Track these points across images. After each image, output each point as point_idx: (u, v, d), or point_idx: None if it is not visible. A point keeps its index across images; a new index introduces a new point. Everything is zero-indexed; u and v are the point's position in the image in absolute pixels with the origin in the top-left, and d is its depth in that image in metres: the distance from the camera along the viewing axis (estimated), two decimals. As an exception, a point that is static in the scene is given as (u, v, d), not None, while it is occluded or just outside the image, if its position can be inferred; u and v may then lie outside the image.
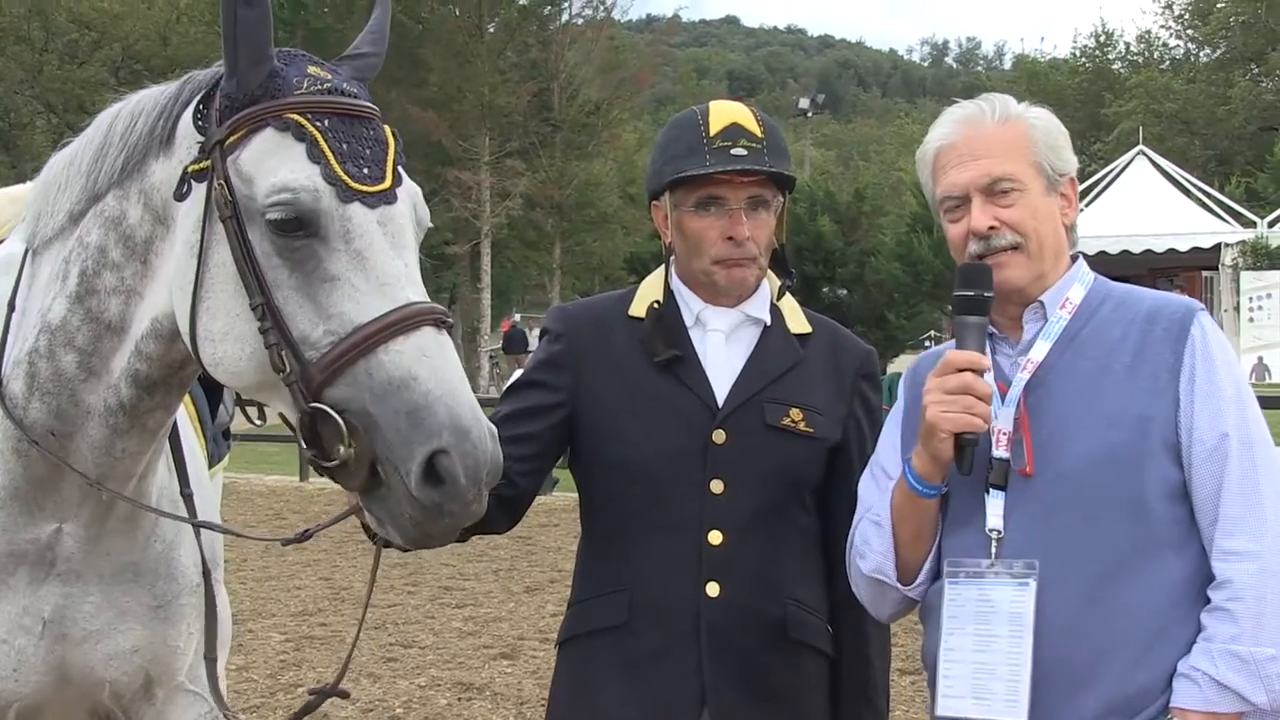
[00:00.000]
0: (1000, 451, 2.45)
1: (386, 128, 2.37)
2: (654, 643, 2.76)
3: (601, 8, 40.66)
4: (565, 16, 40.77)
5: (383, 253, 2.23)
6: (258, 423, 3.71)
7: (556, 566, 11.43)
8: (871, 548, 2.59)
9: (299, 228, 2.20)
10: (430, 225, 2.43)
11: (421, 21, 37.67)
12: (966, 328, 2.46)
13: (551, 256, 41.15)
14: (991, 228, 2.47)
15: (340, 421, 2.13)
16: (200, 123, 2.35)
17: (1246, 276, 30.72)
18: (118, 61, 44.69)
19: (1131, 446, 2.36)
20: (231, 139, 2.27)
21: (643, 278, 3.04)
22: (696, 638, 2.74)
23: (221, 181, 2.25)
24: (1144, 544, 2.35)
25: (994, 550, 2.42)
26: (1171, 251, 30.97)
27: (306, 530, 2.57)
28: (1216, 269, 31.64)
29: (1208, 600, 2.32)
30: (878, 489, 2.63)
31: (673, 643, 2.75)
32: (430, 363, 2.16)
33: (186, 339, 2.34)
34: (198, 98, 2.39)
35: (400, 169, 2.34)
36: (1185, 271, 31.52)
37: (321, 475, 2.25)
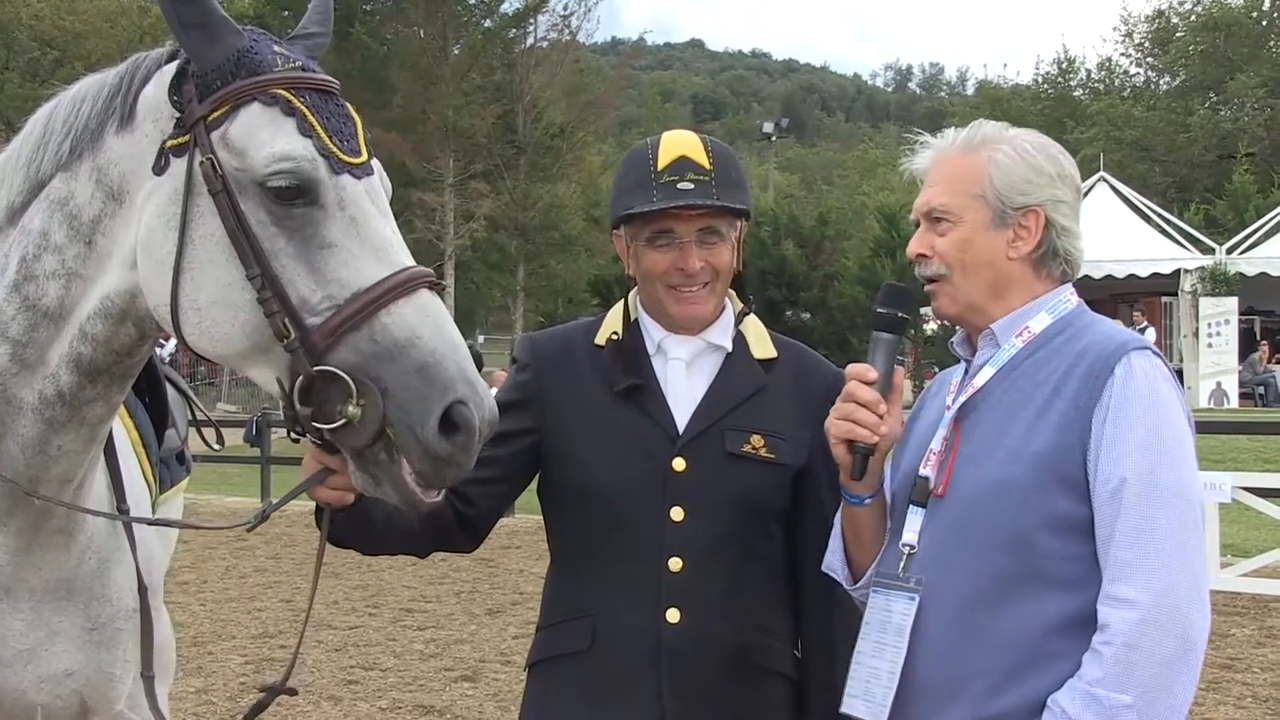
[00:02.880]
0: (925, 469, 2.54)
1: (347, 105, 2.42)
2: (616, 669, 2.76)
3: (567, 31, 40.83)
4: (530, 39, 40.90)
5: (375, 219, 2.29)
6: (216, 447, 3.69)
7: (518, 589, 11.39)
8: (829, 546, 2.74)
9: (298, 195, 2.24)
10: (390, 193, 2.51)
11: (386, 43, 37.74)
12: (876, 342, 2.59)
13: (515, 279, 41.16)
14: (921, 255, 2.57)
15: (350, 381, 2.16)
16: (176, 98, 2.34)
17: (1205, 302, 31.06)
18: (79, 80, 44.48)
19: (1021, 481, 2.38)
20: (215, 114, 2.29)
21: (606, 300, 3.07)
22: (657, 665, 2.74)
23: (209, 156, 2.27)
24: (1020, 577, 2.37)
25: (903, 564, 2.52)
26: (1132, 277, 31.28)
27: (264, 511, 2.51)
28: (1176, 295, 31.97)
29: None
30: None
31: (634, 669, 2.75)
32: (432, 321, 2.21)
33: (164, 312, 2.32)
34: (165, 79, 2.38)
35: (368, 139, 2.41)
36: (1145, 297, 31.84)
37: (303, 438, 2.29)
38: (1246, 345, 32.03)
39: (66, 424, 2.51)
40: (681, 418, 2.83)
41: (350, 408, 2.16)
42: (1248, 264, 31.58)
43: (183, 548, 13.75)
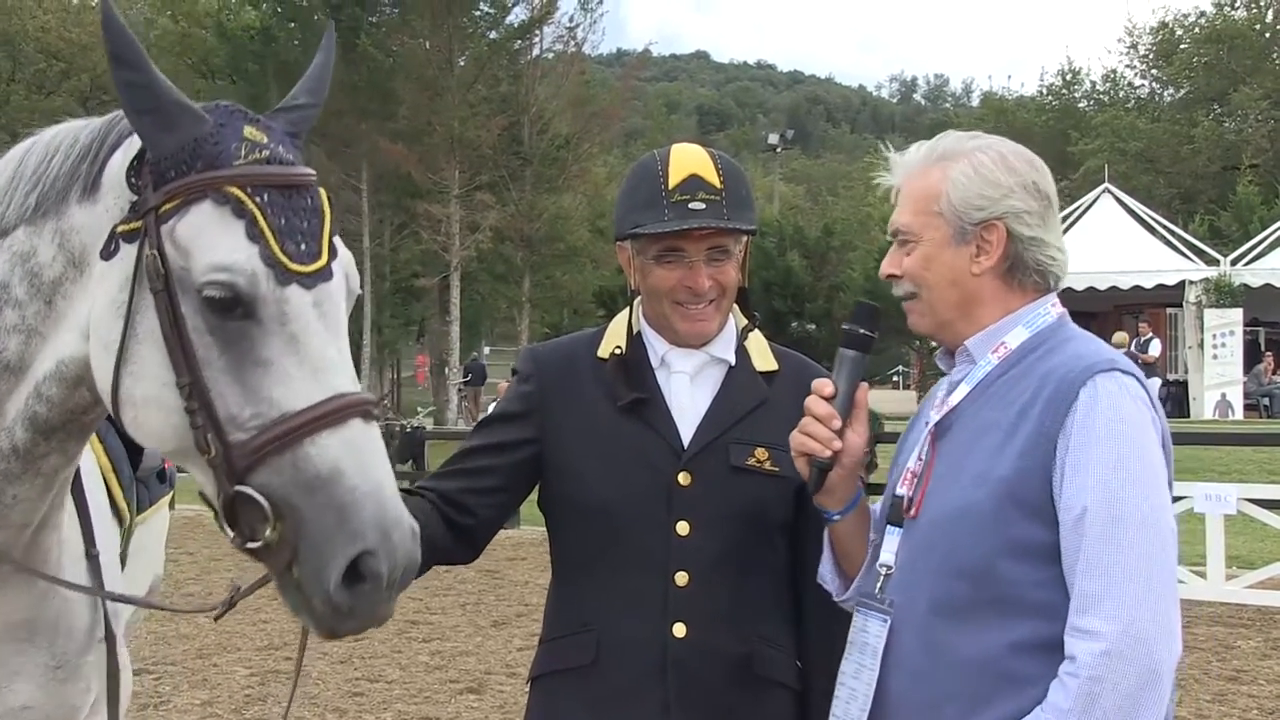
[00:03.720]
0: (901, 489, 2.53)
1: (322, 192, 2.29)
2: (621, 683, 2.76)
3: (572, 42, 40.84)
4: (536, 51, 40.91)
5: (317, 336, 2.18)
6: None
7: (523, 600, 11.39)
8: (823, 555, 2.74)
9: (234, 306, 2.13)
10: (359, 292, 2.40)
11: (392, 55, 37.73)
12: (841, 359, 2.59)
13: (521, 290, 41.12)
14: (891, 275, 2.56)
15: (266, 504, 2.08)
16: (134, 180, 2.24)
17: (1210, 314, 31.00)
18: (86, 92, 44.57)
19: (982, 507, 2.33)
20: (167, 206, 2.18)
21: (611, 311, 3.06)
22: (663, 678, 2.74)
23: (154, 251, 2.17)
24: (979, 603, 2.34)
25: (879, 584, 2.52)
26: (1137, 289, 31.26)
27: (231, 598, 2.47)
28: (1181, 306, 31.93)
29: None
30: None
31: (639, 683, 2.75)
32: (357, 457, 2.11)
33: (106, 397, 2.26)
34: (131, 150, 2.27)
35: (335, 240, 2.28)
36: (1150, 309, 31.80)
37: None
38: (1251, 357, 31.95)
39: (21, 476, 2.44)
40: (686, 431, 2.83)
41: (268, 531, 2.09)
42: (1252, 275, 31.53)
43: (188, 560, 13.76)
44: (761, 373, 2.93)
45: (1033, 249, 2.48)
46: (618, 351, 2.89)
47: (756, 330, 2.99)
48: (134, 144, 2.27)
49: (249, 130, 2.24)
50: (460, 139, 36.44)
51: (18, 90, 42.86)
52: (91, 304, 2.28)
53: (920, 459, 2.52)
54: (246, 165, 2.20)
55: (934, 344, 2.66)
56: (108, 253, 2.24)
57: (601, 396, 2.86)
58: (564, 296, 45.74)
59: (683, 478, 2.79)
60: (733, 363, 2.91)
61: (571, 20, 40.47)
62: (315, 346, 2.17)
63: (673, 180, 2.78)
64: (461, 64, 38.41)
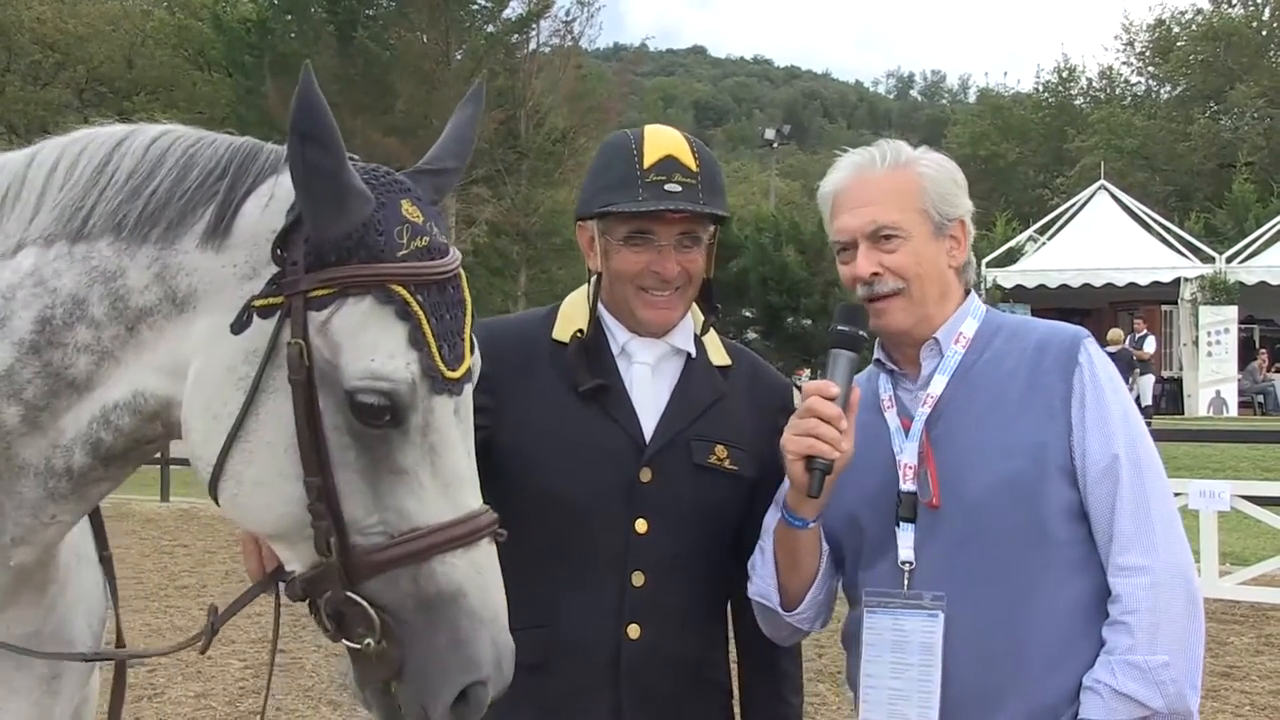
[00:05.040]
0: (907, 485, 2.54)
1: (464, 279, 2.15)
2: (572, 684, 2.68)
3: (569, 36, 40.88)
4: (533, 45, 40.95)
5: (454, 448, 2.08)
6: None
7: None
8: (757, 573, 2.69)
9: (385, 414, 1.99)
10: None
11: (389, 48, 37.73)
12: (836, 358, 2.54)
13: (517, 284, 41.16)
14: (874, 274, 2.57)
15: (375, 618, 1.99)
16: (280, 251, 2.03)
17: (1205, 311, 31.07)
18: (82, 84, 44.55)
19: (1029, 474, 2.46)
20: (319, 293, 1.99)
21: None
22: (616, 681, 2.67)
23: (300, 341, 1.98)
24: (1047, 566, 2.45)
25: (906, 581, 2.52)
26: (1132, 285, 31.32)
27: (212, 624, 2.36)
28: (1176, 303, 31.99)
29: (1108, 614, 2.43)
30: (774, 516, 2.67)
31: (591, 684, 2.68)
32: (481, 581, 2.03)
33: (204, 466, 2.09)
34: (274, 206, 2.07)
35: (471, 334, 2.15)
36: (1145, 305, 31.87)
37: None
38: (1246, 354, 32.03)
39: (67, 497, 2.25)
40: (647, 425, 2.74)
41: (370, 641, 2.01)
42: (1247, 273, 31.61)
43: (183, 552, 13.76)
44: (717, 367, 2.85)
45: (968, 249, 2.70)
46: (579, 335, 2.77)
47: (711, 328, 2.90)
48: (273, 196, 2.08)
49: (407, 207, 2.08)
50: (456, 132, 36.37)
51: (13, 81, 42.77)
52: (195, 357, 2.08)
53: (918, 452, 2.53)
54: (409, 257, 2.03)
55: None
56: (239, 325, 2.04)
57: (560, 382, 2.74)
58: (560, 291, 45.03)
59: (644, 474, 2.70)
60: (693, 354, 2.82)
61: (568, 15, 40.57)
62: (452, 460, 2.07)
63: (648, 160, 2.68)
64: (458, 57, 38.46)
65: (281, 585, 2.19)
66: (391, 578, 2.01)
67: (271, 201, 2.08)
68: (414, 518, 2.02)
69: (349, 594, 2.01)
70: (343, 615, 2.03)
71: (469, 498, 2.07)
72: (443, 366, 2.03)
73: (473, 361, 2.14)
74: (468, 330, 2.11)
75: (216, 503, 2.13)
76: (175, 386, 2.10)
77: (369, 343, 1.99)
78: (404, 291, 2.00)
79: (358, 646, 2.02)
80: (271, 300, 2.02)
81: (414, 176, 2.22)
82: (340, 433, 2.00)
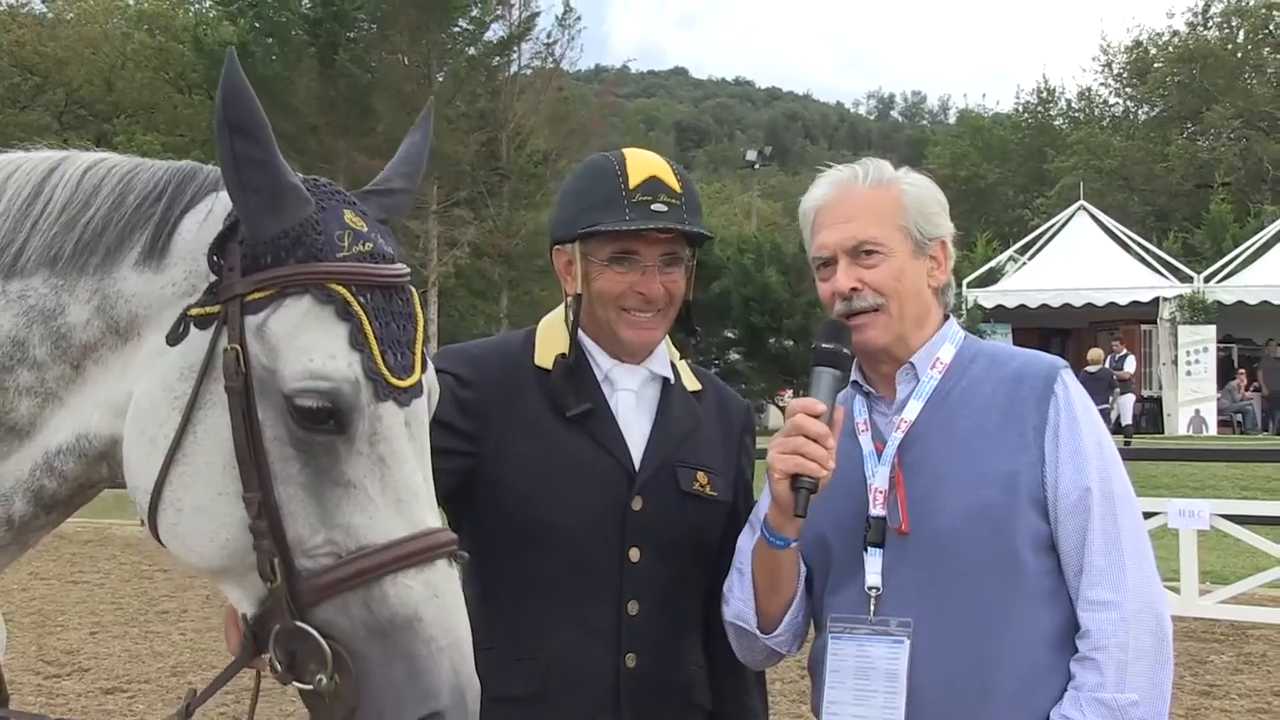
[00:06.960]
0: (877, 510, 2.52)
1: (414, 293, 2.07)
2: (571, 715, 2.66)
3: (551, 59, 40.91)
4: (514, 67, 40.96)
5: (406, 462, 1.95)
6: None
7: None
8: (734, 594, 2.66)
9: (327, 419, 1.88)
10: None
11: (370, 70, 37.69)
12: (819, 376, 2.53)
13: (499, 306, 41.10)
14: (854, 289, 2.56)
15: (327, 650, 1.85)
16: (216, 259, 1.94)
17: (1184, 330, 31.23)
18: (61, 106, 44.45)
19: (1002, 503, 2.44)
20: (256, 295, 1.91)
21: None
22: (616, 710, 2.66)
23: (236, 345, 1.89)
24: (1017, 597, 2.43)
25: (872, 607, 2.49)
26: (1111, 305, 31.48)
27: (188, 705, 2.21)
28: (1155, 323, 32.16)
29: (1076, 648, 2.41)
30: (750, 537, 2.66)
31: (591, 715, 2.66)
32: (439, 605, 1.89)
33: (140, 497, 1.98)
34: (211, 219, 1.99)
35: (425, 349, 2.06)
36: (1125, 325, 32.02)
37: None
38: (1225, 373, 32.18)
39: (6, 547, 2.14)
40: (635, 453, 2.73)
41: (324, 678, 1.85)
42: (1225, 292, 31.81)
43: (162, 577, 13.66)
44: (690, 393, 2.86)
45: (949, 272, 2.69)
46: (563, 358, 2.75)
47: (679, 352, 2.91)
48: (210, 211, 2.00)
49: (349, 216, 2.01)
50: (438, 154, 36.40)
51: (-8, 104, 42.59)
52: (136, 384, 1.97)
53: (889, 477, 2.52)
54: (351, 259, 1.95)
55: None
56: (175, 336, 1.95)
57: (545, 409, 2.72)
58: (542, 312, 45.37)
59: (636, 502, 2.70)
60: (671, 379, 2.83)
61: (550, 36, 40.59)
62: (404, 473, 1.94)
63: (633, 180, 2.69)
64: (440, 80, 38.40)
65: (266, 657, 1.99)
66: (342, 604, 1.87)
67: (209, 216, 1.99)
68: (362, 535, 1.88)
69: (298, 624, 1.87)
70: (294, 653, 1.88)
71: (423, 514, 1.94)
72: (386, 372, 1.92)
73: (427, 378, 2.04)
74: (418, 344, 2.02)
75: (156, 536, 2.01)
76: (120, 424, 2.00)
77: (308, 343, 1.89)
78: (344, 291, 1.92)
79: (309, 687, 1.87)
80: (208, 309, 1.93)
81: (361, 196, 2.14)
82: (282, 444, 1.89)
